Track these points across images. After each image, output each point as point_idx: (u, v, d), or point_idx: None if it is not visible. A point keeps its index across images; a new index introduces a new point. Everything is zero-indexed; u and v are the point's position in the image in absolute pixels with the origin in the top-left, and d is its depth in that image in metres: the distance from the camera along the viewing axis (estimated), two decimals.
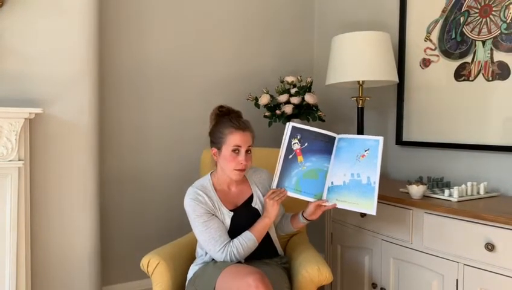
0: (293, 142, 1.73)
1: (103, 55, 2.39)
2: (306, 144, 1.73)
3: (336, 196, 1.66)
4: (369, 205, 1.59)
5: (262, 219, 1.69)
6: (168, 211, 2.66)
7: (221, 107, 1.78)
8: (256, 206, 1.76)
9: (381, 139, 1.63)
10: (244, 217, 1.71)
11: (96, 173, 2.22)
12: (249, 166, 1.72)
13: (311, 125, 1.78)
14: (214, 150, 1.72)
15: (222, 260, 1.63)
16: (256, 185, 1.80)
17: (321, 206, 1.71)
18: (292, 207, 1.89)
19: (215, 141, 1.71)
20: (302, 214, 1.77)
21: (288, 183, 1.71)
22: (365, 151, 1.64)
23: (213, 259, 1.69)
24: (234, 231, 1.67)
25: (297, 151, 1.73)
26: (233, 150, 1.66)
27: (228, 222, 1.68)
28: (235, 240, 1.64)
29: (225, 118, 1.73)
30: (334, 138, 1.74)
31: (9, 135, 1.86)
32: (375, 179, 1.59)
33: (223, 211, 1.69)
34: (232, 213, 1.70)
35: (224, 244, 1.63)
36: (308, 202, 1.73)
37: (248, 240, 1.64)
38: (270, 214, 1.67)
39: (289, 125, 1.74)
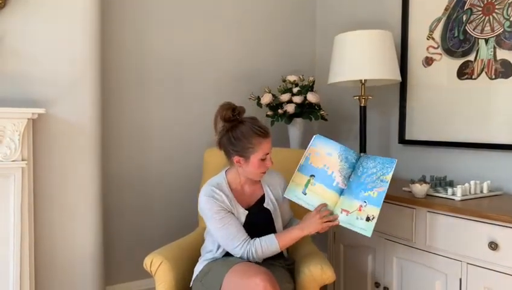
0: None
1: (105, 56, 2.39)
2: None
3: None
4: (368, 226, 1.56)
5: (293, 228, 1.66)
6: (171, 211, 2.66)
7: (233, 110, 1.67)
8: (268, 207, 1.76)
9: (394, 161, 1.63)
10: (257, 216, 1.72)
11: (100, 172, 2.22)
12: None
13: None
14: (238, 158, 1.67)
15: (239, 256, 1.63)
16: (268, 186, 1.80)
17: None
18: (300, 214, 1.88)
19: (240, 150, 1.65)
20: None
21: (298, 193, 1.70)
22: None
23: (222, 256, 1.69)
24: (248, 230, 1.67)
25: None
26: (262, 158, 1.66)
27: (243, 220, 1.69)
28: (257, 240, 1.63)
29: (245, 124, 1.66)
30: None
31: (12, 135, 1.87)
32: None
33: (238, 209, 1.70)
34: (247, 212, 1.70)
35: (243, 241, 1.62)
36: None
37: (271, 245, 1.62)
38: (307, 230, 1.62)
39: (315, 138, 1.71)
